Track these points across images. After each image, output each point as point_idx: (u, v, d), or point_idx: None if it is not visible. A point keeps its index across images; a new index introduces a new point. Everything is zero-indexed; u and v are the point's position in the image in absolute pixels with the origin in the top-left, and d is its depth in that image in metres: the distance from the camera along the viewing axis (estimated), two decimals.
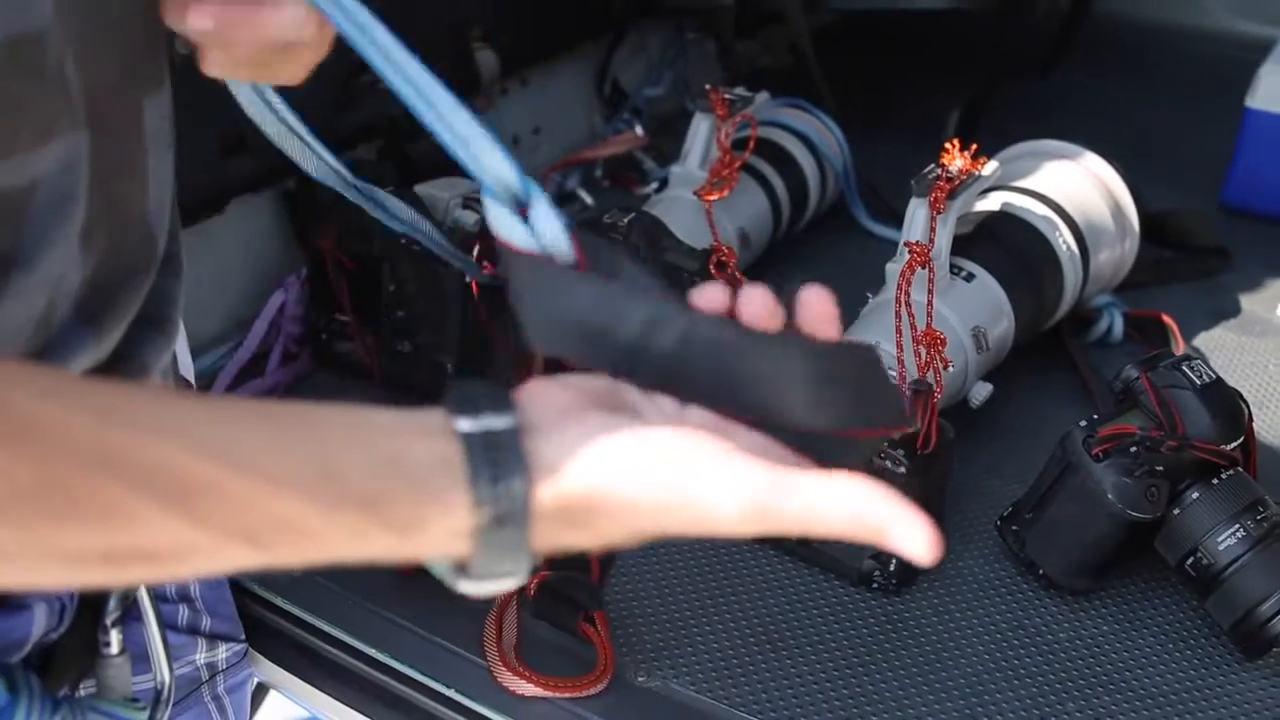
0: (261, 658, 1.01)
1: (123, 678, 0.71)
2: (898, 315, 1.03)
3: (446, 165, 1.58)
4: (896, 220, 1.17)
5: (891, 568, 1.03)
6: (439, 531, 0.46)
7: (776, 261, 1.48)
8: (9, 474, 0.41)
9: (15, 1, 0.48)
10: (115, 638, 0.70)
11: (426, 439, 0.46)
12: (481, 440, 0.46)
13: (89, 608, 0.70)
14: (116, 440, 0.43)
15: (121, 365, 0.61)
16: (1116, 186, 1.33)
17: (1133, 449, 0.97)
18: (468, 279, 1.22)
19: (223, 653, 0.87)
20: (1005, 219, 1.25)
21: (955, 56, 1.84)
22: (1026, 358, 1.27)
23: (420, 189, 1.31)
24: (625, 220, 1.22)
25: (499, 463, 0.46)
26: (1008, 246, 1.23)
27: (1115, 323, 1.36)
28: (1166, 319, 1.36)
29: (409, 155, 1.47)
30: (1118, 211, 1.32)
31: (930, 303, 1.04)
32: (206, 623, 0.85)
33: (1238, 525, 0.96)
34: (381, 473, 0.45)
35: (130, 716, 0.68)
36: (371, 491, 0.45)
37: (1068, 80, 2.01)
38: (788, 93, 1.57)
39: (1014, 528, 1.06)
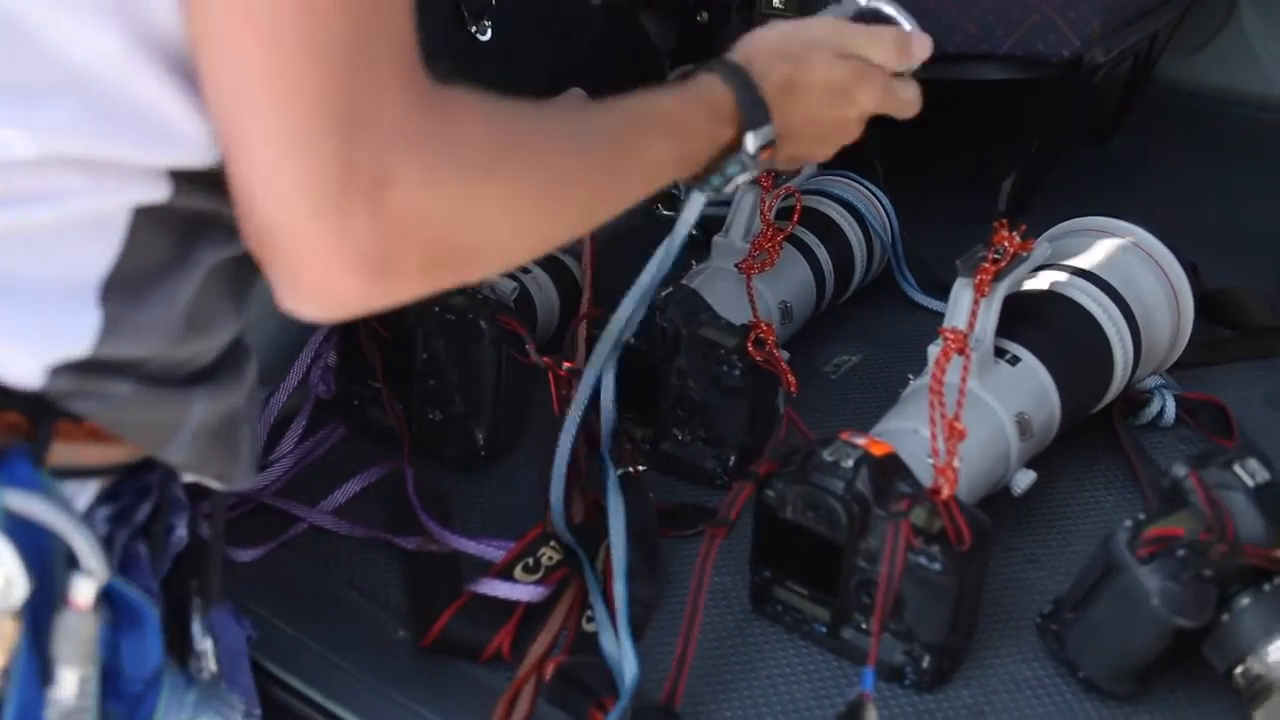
0: None
1: None
2: (931, 405, 1.00)
3: None
4: (944, 292, 1.14)
5: (924, 664, 0.99)
6: None
7: (819, 334, 1.45)
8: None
9: None
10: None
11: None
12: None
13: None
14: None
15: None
16: (1169, 265, 1.29)
17: (1180, 552, 0.93)
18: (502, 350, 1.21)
19: None
20: (1052, 300, 1.22)
21: (1010, 126, 1.81)
22: (1073, 442, 1.23)
23: None
24: (662, 294, 1.20)
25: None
26: (1055, 329, 1.19)
27: (1167, 406, 1.31)
28: (1221, 403, 1.32)
29: None
30: (1170, 291, 1.28)
31: (962, 391, 1.01)
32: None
33: None
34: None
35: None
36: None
37: (1125, 150, 1.97)
38: (847, 162, 1.54)
39: (1054, 627, 1.02)
